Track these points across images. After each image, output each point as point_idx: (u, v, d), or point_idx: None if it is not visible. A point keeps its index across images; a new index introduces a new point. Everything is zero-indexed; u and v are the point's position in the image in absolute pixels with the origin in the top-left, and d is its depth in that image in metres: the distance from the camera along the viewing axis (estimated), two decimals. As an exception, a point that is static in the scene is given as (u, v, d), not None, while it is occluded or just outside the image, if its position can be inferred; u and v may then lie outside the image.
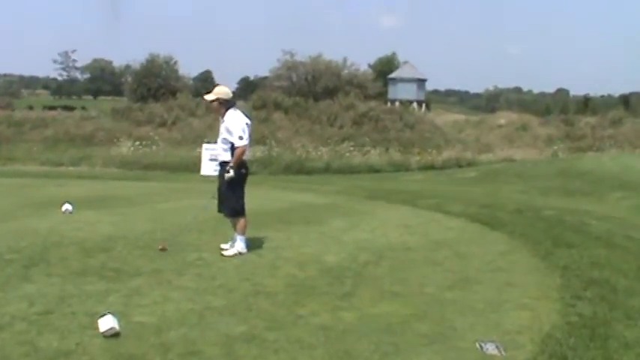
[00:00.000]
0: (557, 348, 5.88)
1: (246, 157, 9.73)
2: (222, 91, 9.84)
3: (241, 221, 9.89)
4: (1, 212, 13.38)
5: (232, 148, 9.58)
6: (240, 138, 9.50)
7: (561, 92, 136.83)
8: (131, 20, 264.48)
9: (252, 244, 10.34)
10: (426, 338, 6.16)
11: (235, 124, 9.58)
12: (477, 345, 5.97)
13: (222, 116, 9.72)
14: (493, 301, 7.51)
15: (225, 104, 9.74)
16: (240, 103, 51.12)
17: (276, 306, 7.10)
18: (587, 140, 49.43)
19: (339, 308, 7.07)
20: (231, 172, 9.51)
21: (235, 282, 8.07)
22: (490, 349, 5.89)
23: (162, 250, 9.64)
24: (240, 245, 9.80)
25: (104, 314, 6.16)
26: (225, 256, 9.58)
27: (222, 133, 9.65)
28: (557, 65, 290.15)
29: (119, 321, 6.09)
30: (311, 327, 6.41)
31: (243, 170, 9.78)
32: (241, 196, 9.85)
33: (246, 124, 9.77)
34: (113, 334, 5.94)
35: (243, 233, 9.88)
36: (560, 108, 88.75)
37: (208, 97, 9.84)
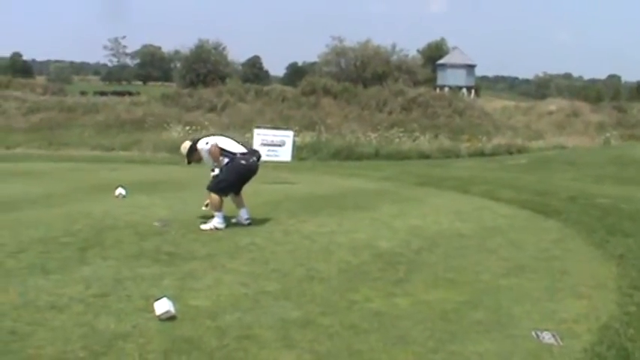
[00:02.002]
0: (615, 338, 5.79)
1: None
2: (183, 152, 11.14)
3: (213, 197, 10.56)
4: (56, 196, 13.57)
5: (228, 161, 10.60)
6: (207, 143, 10.66)
7: (613, 78, 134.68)
8: (180, 6, 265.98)
9: (306, 229, 10.44)
10: (481, 326, 6.11)
11: (201, 150, 10.73)
12: (533, 334, 5.90)
13: (200, 157, 10.91)
14: (548, 290, 7.42)
15: (192, 152, 10.93)
16: (288, 88, 51.41)
17: (331, 291, 7.09)
18: (641, 127, 48.57)
19: (392, 294, 7.04)
20: (216, 171, 10.62)
21: (289, 267, 8.09)
22: (546, 338, 5.82)
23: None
24: (216, 220, 10.48)
25: (160, 297, 6.21)
26: (201, 229, 10.28)
27: (208, 162, 10.80)
28: (608, 51, 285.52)
29: (174, 304, 6.14)
30: (365, 312, 6.40)
31: (229, 164, 10.60)
32: (221, 181, 10.58)
33: (208, 142, 10.77)
34: (169, 318, 5.98)
35: (216, 209, 10.53)
36: (612, 94, 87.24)
37: (190, 164, 11.28)
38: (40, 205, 12.31)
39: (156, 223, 10.44)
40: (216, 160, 10.53)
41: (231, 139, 11.12)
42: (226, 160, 10.55)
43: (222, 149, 10.57)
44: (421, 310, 6.52)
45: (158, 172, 19.76)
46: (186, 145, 11.08)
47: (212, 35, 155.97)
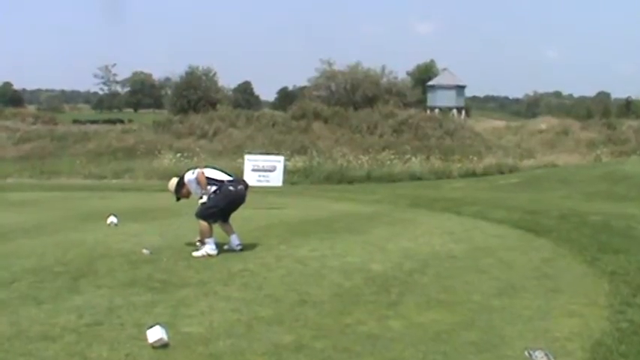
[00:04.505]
0: (607, 355, 5.81)
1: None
2: (170, 189, 11.25)
3: (202, 224, 10.61)
4: (48, 225, 13.53)
5: (216, 189, 10.71)
6: (192, 173, 10.86)
7: (602, 95, 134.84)
8: (170, 33, 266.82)
9: (298, 254, 10.44)
10: (474, 346, 6.12)
11: (188, 181, 10.84)
12: (526, 353, 5.90)
13: (188, 191, 11.00)
14: (540, 309, 7.44)
15: (180, 187, 11.02)
16: (279, 113, 51.53)
17: (323, 315, 7.10)
18: (631, 144, 48.83)
19: (385, 317, 7.05)
20: (204, 198, 10.73)
21: (281, 292, 8.08)
22: (539, 356, 5.82)
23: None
24: (208, 247, 10.48)
25: (153, 325, 6.20)
26: (194, 256, 10.26)
27: (196, 193, 10.87)
28: (597, 68, 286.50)
29: (167, 332, 6.13)
30: (358, 336, 6.40)
31: (217, 191, 10.70)
32: (210, 207, 10.67)
33: (194, 172, 10.98)
34: (162, 345, 5.98)
35: (206, 236, 10.55)
36: (601, 112, 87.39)
37: (179, 200, 11.32)
38: (32, 235, 12.28)
39: (144, 251, 10.44)
40: (203, 186, 10.62)
41: (218, 169, 11.25)
42: (214, 187, 10.65)
43: (209, 177, 10.69)
44: (414, 332, 6.52)
45: (150, 199, 19.71)
46: (173, 182, 11.18)
47: (202, 61, 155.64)
